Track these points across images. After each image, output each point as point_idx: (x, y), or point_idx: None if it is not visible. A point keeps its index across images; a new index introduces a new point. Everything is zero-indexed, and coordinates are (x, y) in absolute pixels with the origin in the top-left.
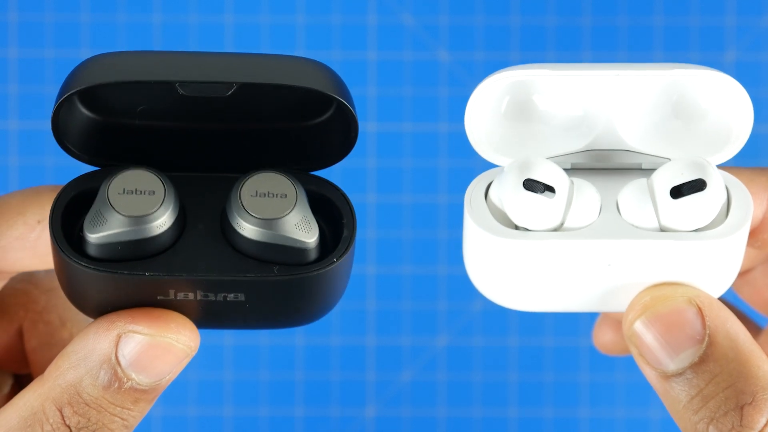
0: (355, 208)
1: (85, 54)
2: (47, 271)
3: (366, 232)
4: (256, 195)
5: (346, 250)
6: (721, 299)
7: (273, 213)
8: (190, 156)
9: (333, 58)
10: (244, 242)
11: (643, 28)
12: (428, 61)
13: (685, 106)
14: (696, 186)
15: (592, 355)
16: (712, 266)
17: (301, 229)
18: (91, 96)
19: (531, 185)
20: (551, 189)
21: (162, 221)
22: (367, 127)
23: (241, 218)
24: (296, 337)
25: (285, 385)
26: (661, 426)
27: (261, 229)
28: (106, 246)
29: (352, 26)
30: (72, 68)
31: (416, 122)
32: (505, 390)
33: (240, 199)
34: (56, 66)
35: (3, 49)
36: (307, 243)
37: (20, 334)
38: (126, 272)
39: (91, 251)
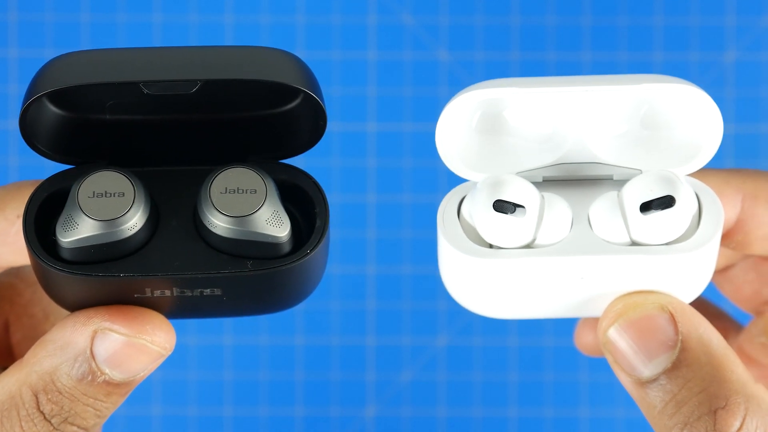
0: (328, 197)
1: None
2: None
3: (366, 232)
4: (226, 192)
5: (320, 241)
6: (702, 298)
7: (243, 210)
8: (160, 149)
9: (333, 58)
10: (216, 239)
11: (643, 28)
12: (428, 61)
13: (654, 118)
14: (665, 202)
15: None
16: (684, 277)
17: (272, 224)
18: (58, 95)
19: (501, 206)
20: (522, 206)
21: (133, 222)
22: (367, 127)
23: (212, 216)
24: (296, 337)
25: (285, 385)
26: None
27: (232, 227)
28: (79, 249)
29: (352, 26)
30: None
31: (416, 122)
32: (505, 390)
33: (210, 196)
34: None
35: (3, 49)
36: (279, 237)
37: (6, 327)
38: (100, 274)
39: (65, 254)
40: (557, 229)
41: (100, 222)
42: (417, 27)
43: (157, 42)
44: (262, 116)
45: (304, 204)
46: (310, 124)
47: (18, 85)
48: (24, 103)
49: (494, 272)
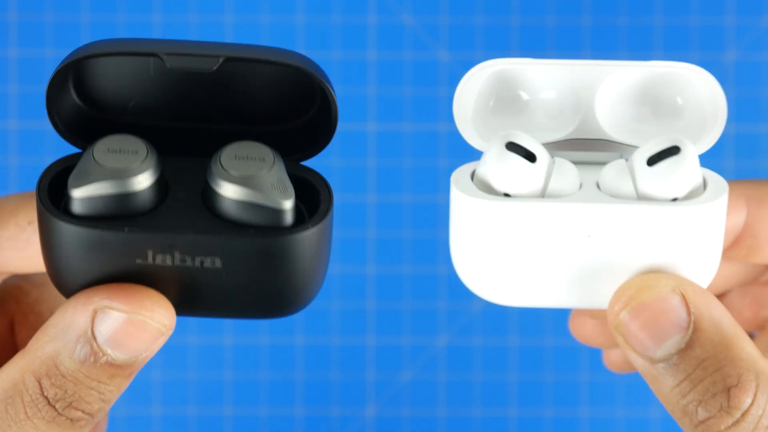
0: (333, 191)
1: None
2: None
3: (366, 232)
4: (236, 158)
5: (323, 218)
6: None
7: (250, 171)
8: (176, 149)
9: (333, 58)
10: (222, 202)
11: (643, 28)
12: (428, 61)
13: (663, 98)
14: (671, 151)
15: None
16: (693, 239)
17: (278, 189)
18: (83, 87)
19: (514, 147)
20: (533, 156)
21: (143, 177)
22: (367, 127)
23: (220, 177)
24: (296, 337)
25: (285, 385)
26: (661, 426)
27: (238, 187)
28: (89, 201)
29: (352, 26)
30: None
31: (416, 122)
32: (505, 390)
33: (219, 160)
34: (56, 66)
35: (3, 49)
36: (283, 203)
37: (12, 327)
38: (106, 227)
39: (75, 207)
40: (566, 187)
41: (112, 170)
42: (417, 27)
43: None
44: (278, 118)
45: (312, 199)
46: (322, 126)
47: (18, 85)
48: (51, 77)
49: (503, 219)
